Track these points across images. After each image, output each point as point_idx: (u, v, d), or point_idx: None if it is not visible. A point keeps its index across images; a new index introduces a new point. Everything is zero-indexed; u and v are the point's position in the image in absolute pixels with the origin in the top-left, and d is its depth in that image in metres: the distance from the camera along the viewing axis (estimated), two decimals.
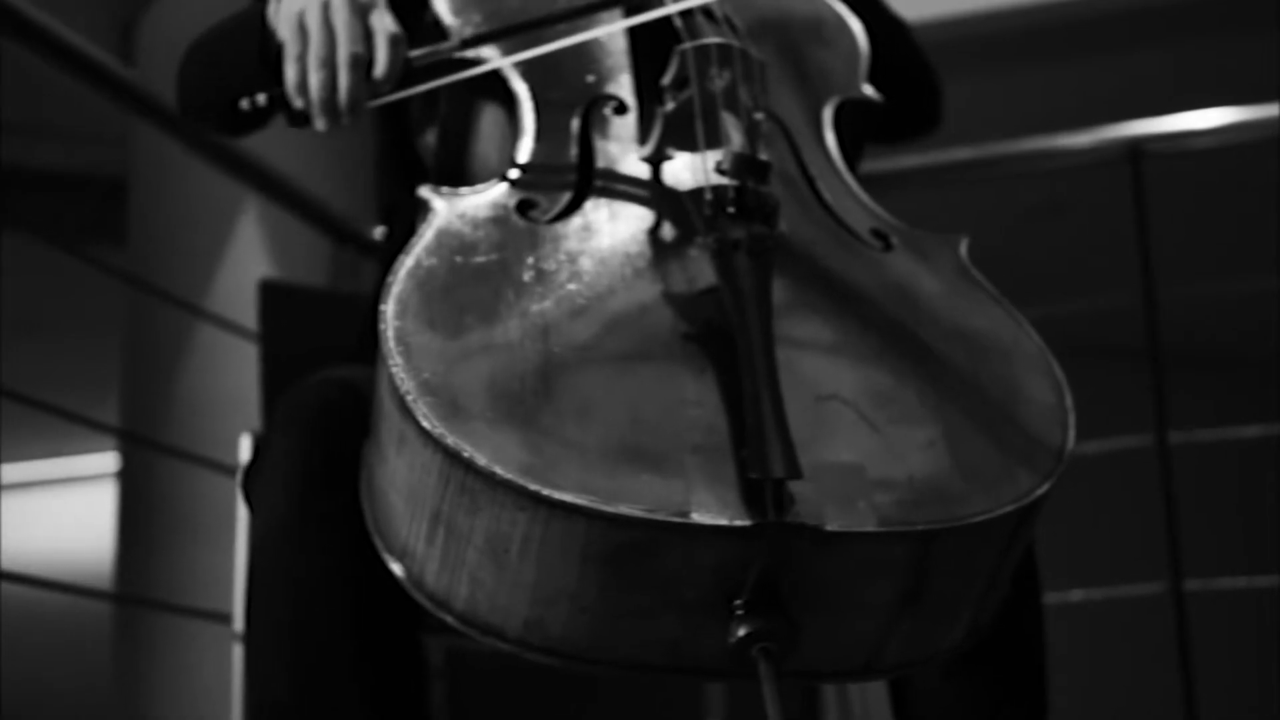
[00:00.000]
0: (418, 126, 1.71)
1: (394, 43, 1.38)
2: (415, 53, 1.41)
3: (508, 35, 1.43)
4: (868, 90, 1.63)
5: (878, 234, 1.43)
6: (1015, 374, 1.31)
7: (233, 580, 2.43)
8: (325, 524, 1.32)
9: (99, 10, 5.00)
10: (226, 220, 3.83)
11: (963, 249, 1.45)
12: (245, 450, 2.29)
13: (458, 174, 1.61)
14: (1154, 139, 2.79)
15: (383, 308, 1.22)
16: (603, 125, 1.44)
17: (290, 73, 1.37)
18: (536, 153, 1.41)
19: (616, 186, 1.38)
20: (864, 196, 1.49)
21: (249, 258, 3.76)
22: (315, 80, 1.36)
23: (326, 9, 1.38)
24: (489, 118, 1.56)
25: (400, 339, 1.19)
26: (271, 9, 1.46)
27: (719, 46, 1.37)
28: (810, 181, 1.46)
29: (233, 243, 3.81)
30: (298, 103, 1.38)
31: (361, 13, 1.39)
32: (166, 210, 3.99)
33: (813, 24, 1.71)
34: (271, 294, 2.43)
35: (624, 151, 1.41)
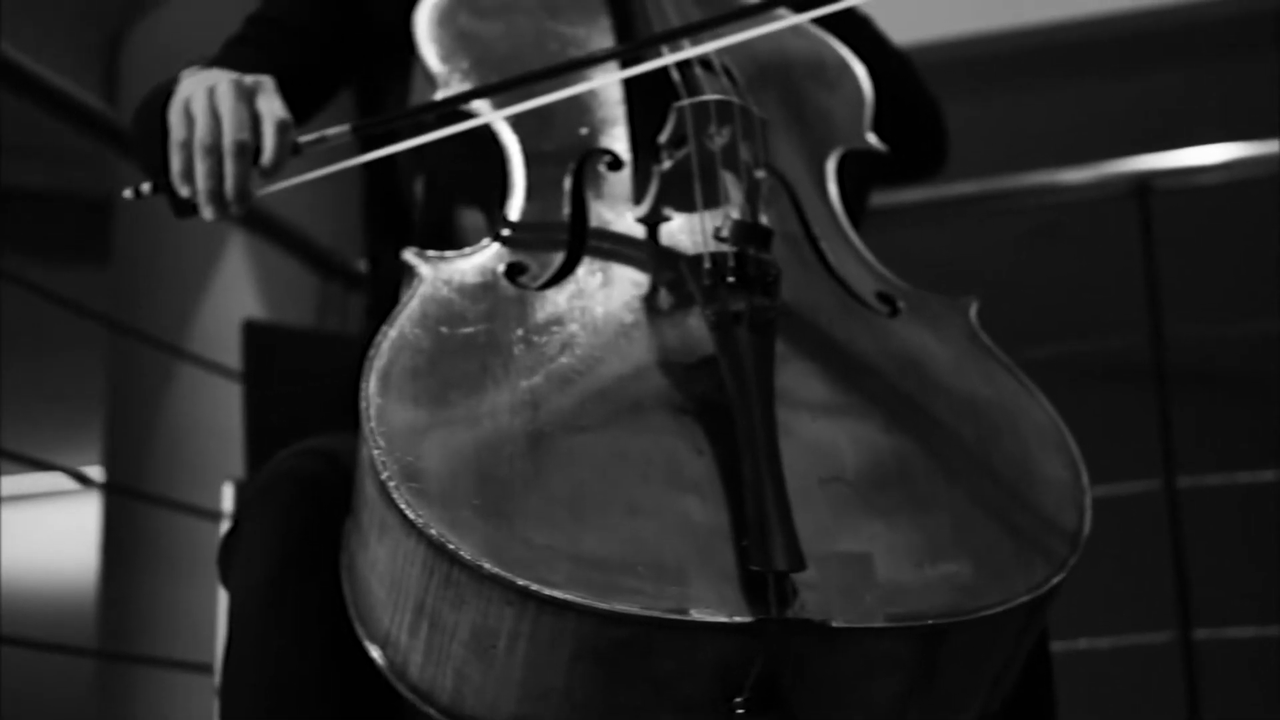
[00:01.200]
0: (404, 176, 1.66)
1: (281, 129, 1.33)
2: (304, 138, 1.36)
3: (492, 93, 1.38)
4: (873, 140, 1.59)
5: (883, 298, 1.38)
6: (1028, 451, 1.26)
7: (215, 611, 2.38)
8: (302, 609, 1.26)
9: (85, 27, 4.95)
10: (212, 249, 3.78)
11: (972, 313, 1.40)
12: (228, 499, 2.23)
13: (444, 227, 1.57)
14: (1162, 174, 2.74)
15: (363, 384, 1.17)
16: (596, 182, 1.39)
17: (175, 160, 1.32)
18: (527, 210, 1.36)
19: (610, 249, 1.33)
20: (869, 256, 1.44)
21: (235, 287, 3.71)
22: (200, 169, 1.31)
23: (212, 94, 1.33)
24: (478, 170, 1.51)
25: (381, 418, 1.14)
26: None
27: (718, 103, 1.32)
28: (813, 242, 1.41)
29: (218, 273, 3.75)
30: (183, 191, 1.33)
31: (248, 97, 1.34)
32: (151, 234, 3.93)
33: (814, 67, 1.66)
34: (255, 335, 2.38)
35: (618, 211, 1.36)
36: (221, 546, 1.42)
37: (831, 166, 1.53)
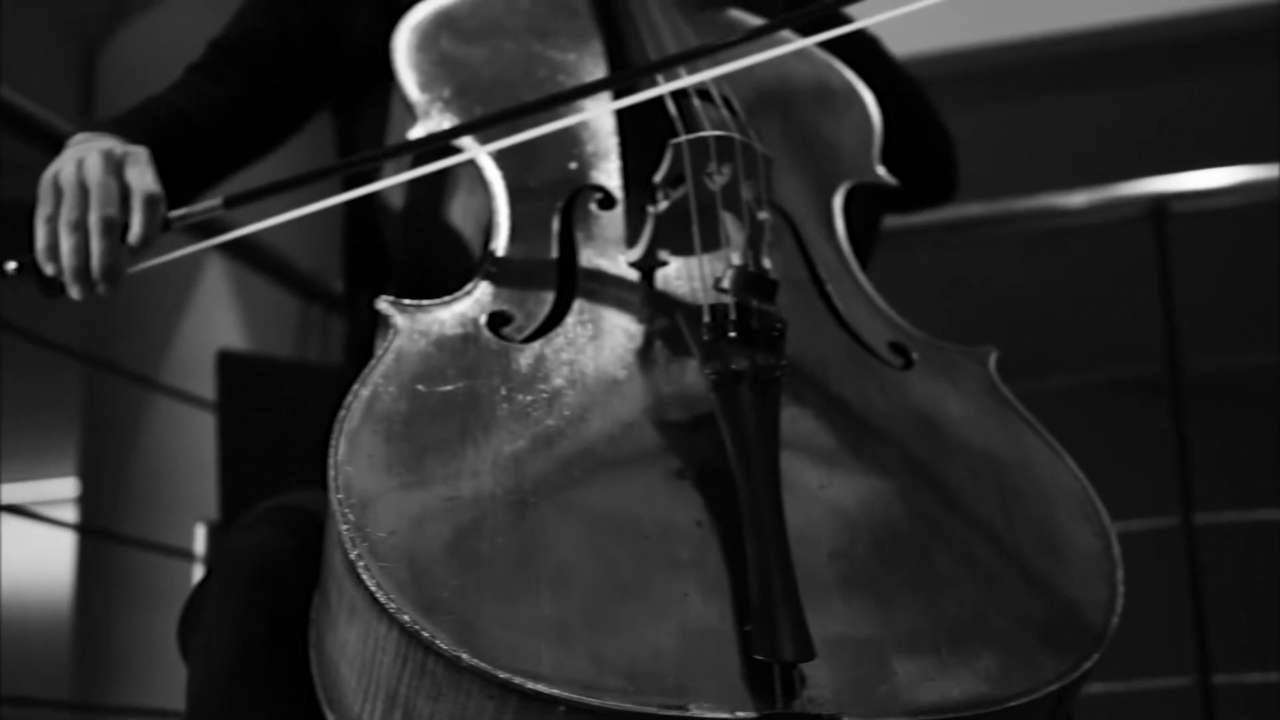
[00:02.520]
0: (382, 212, 1.58)
1: (150, 204, 1.27)
2: (176, 213, 1.29)
3: (475, 130, 1.30)
4: (882, 173, 1.50)
5: (896, 349, 1.30)
6: (1055, 518, 1.18)
7: None
8: (267, 691, 1.18)
9: (62, 39, 4.87)
10: (190, 272, 3.69)
11: (992, 363, 1.32)
12: (200, 541, 2.15)
13: (424, 266, 1.49)
14: (1178, 197, 2.66)
15: (332, 449, 1.08)
16: (586, 221, 1.31)
17: (39, 236, 1.26)
18: (512, 252, 1.28)
19: (601, 296, 1.24)
20: (879, 301, 1.36)
21: (213, 311, 3.62)
22: (65, 246, 1.25)
23: (81, 167, 1.27)
24: (459, 206, 1.43)
25: (350, 490, 1.05)
26: None
27: (718, 140, 1.24)
28: (820, 287, 1.32)
29: (196, 296, 3.66)
30: (49, 269, 1.26)
31: (117, 170, 1.28)
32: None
33: (819, 94, 1.58)
34: (231, 365, 2.29)
35: (610, 254, 1.28)
36: (182, 617, 1.33)
37: (839, 202, 1.45)
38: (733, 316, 1.14)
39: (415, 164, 1.31)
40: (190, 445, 3.18)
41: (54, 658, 4.90)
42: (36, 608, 6.66)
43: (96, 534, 3.53)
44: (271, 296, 3.11)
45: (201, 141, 1.63)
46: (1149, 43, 3.99)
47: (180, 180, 1.54)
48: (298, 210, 1.28)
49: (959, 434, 1.22)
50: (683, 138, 1.23)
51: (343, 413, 1.11)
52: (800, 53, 1.62)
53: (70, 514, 4.65)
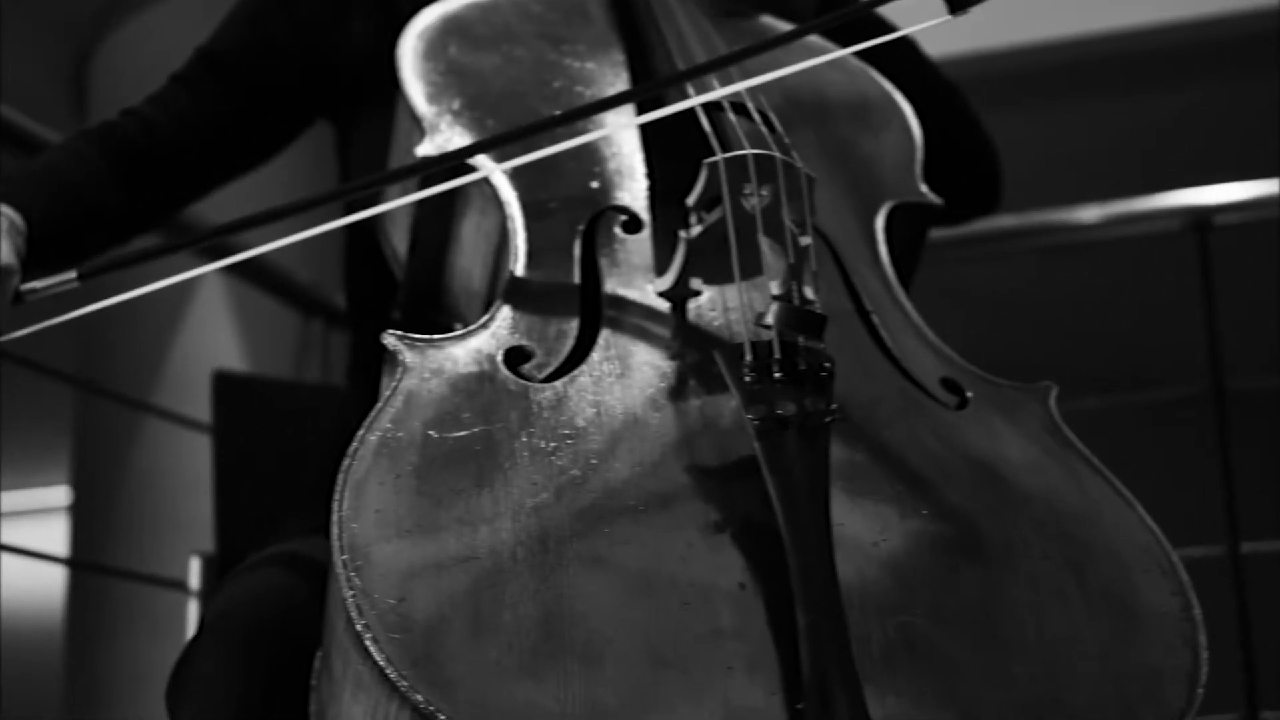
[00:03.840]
0: (385, 229, 1.49)
1: (3, 276, 1.21)
2: (28, 285, 1.22)
3: (490, 149, 1.22)
4: (925, 191, 1.41)
5: (949, 385, 1.21)
6: (1128, 576, 1.08)
7: None
8: None
9: (53, 44, 4.80)
10: (185, 285, 3.60)
11: (1052, 401, 1.23)
12: (195, 574, 2.06)
13: (432, 290, 1.40)
14: (1223, 209, 2.56)
15: (336, 503, 0.99)
16: (610, 246, 1.22)
17: None
18: (529, 280, 1.19)
19: (628, 329, 1.15)
20: (928, 332, 1.27)
21: (210, 325, 3.53)
22: None
23: None
24: (470, 226, 1.34)
25: (356, 550, 0.96)
26: None
27: (757, 158, 1.15)
28: (865, 317, 1.23)
29: (192, 310, 3.57)
30: None
31: None
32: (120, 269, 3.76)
33: (856, 107, 1.49)
34: (227, 387, 2.20)
35: (637, 282, 1.19)
36: (171, 679, 1.24)
37: (881, 223, 1.36)
38: (777, 355, 1.05)
39: (424, 184, 1.22)
40: (185, 456, 3.09)
41: (46, 677, 4.84)
42: (28, 624, 6.60)
43: (89, 567, 3.44)
44: (269, 310, 3.03)
45: (165, 162, 1.58)
46: (1181, 44, 3.89)
47: (126, 214, 1.53)
48: (303, 232, 1.20)
49: (1021, 482, 1.13)
50: (719, 156, 1.14)
51: (347, 461, 1.02)
52: (834, 61, 1.54)
53: (62, 523, 4.59)
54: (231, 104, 1.63)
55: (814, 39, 1.47)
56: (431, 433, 1.04)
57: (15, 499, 8.97)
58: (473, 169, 1.23)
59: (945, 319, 1.38)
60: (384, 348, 1.11)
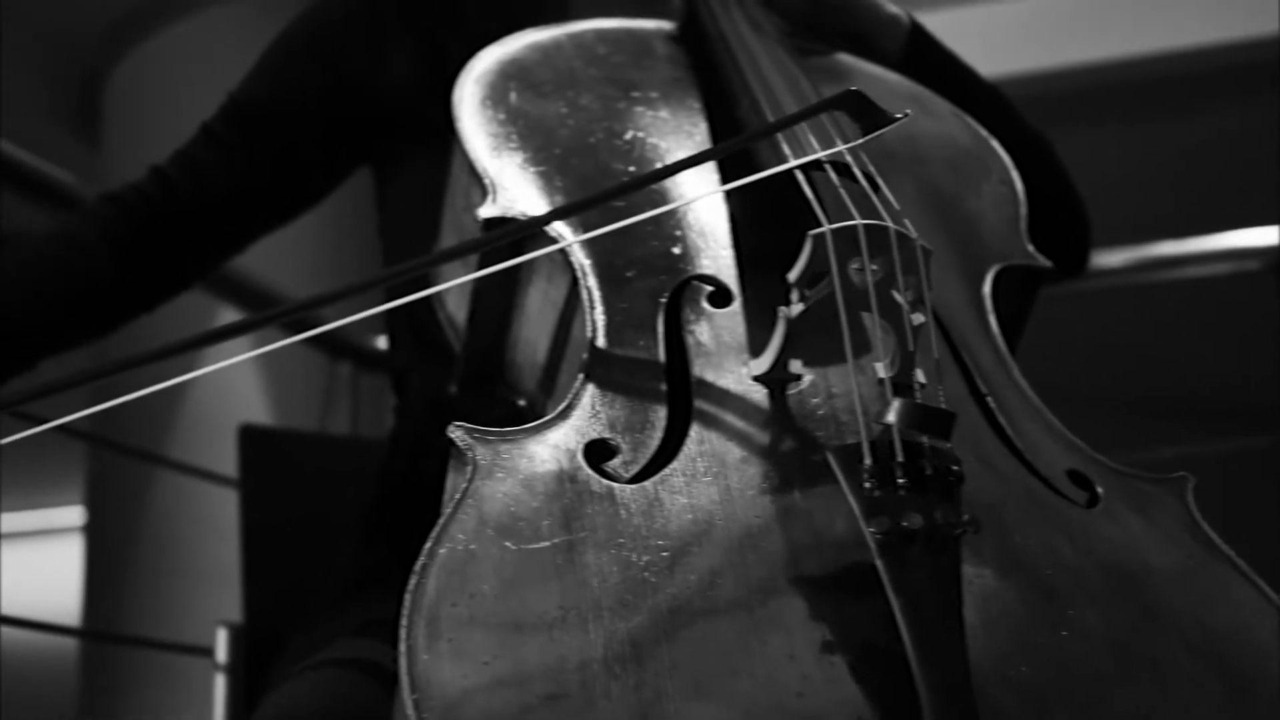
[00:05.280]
0: (440, 293, 1.38)
1: None
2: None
3: (568, 216, 1.11)
4: (1034, 252, 1.30)
5: (1078, 480, 1.09)
6: None
7: None
8: None
9: (65, 66, 4.72)
10: (204, 323, 3.50)
11: (1189, 495, 1.11)
12: (222, 646, 1.96)
13: (494, 363, 1.29)
14: None
15: (404, 629, 0.88)
16: (697, 321, 1.11)
17: None
18: (606, 359, 1.08)
19: (722, 420, 1.04)
20: (1048, 415, 1.16)
21: (232, 366, 3.42)
22: None
23: None
24: (538, 292, 1.24)
25: (429, 687, 0.85)
26: None
27: (870, 229, 1.03)
28: (981, 401, 1.12)
29: (213, 350, 3.46)
30: None
31: None
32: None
33: (951, 156, 1.38)
34: (253, 440, 2.10)
35: (729, 364, 1.08)
36: None
37: (988, 289, 1.25)
38: (900, 458, 0.94)
39: (487, 259, 1.12)
40: (202, 490, 2.98)
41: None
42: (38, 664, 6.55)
43: (106, 638, 3.33)
44: (294, 350, 2.92)
45: (187, 224, 1.53)
46: (1240, 65, 3.78)
47: (127, 289, 1.50)
48: (374, 309, 1.09)
49: (1165, 593, 1.02)
50: (826, 227, 1.03)
51: (414, 579, 0.91)
52: (924, 104, 1.43)
53: (76, 543, 4.51)
54: (264, 160, 1.54)
55: (910, 86, 1.36)
56: (508, 544, 0.93)
57: (28, 519, 8.93)
58: (549, 237, 1.12)
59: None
60: (450, 443, 1.00)
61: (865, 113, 1.03)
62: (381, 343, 2.73)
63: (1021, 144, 1.48)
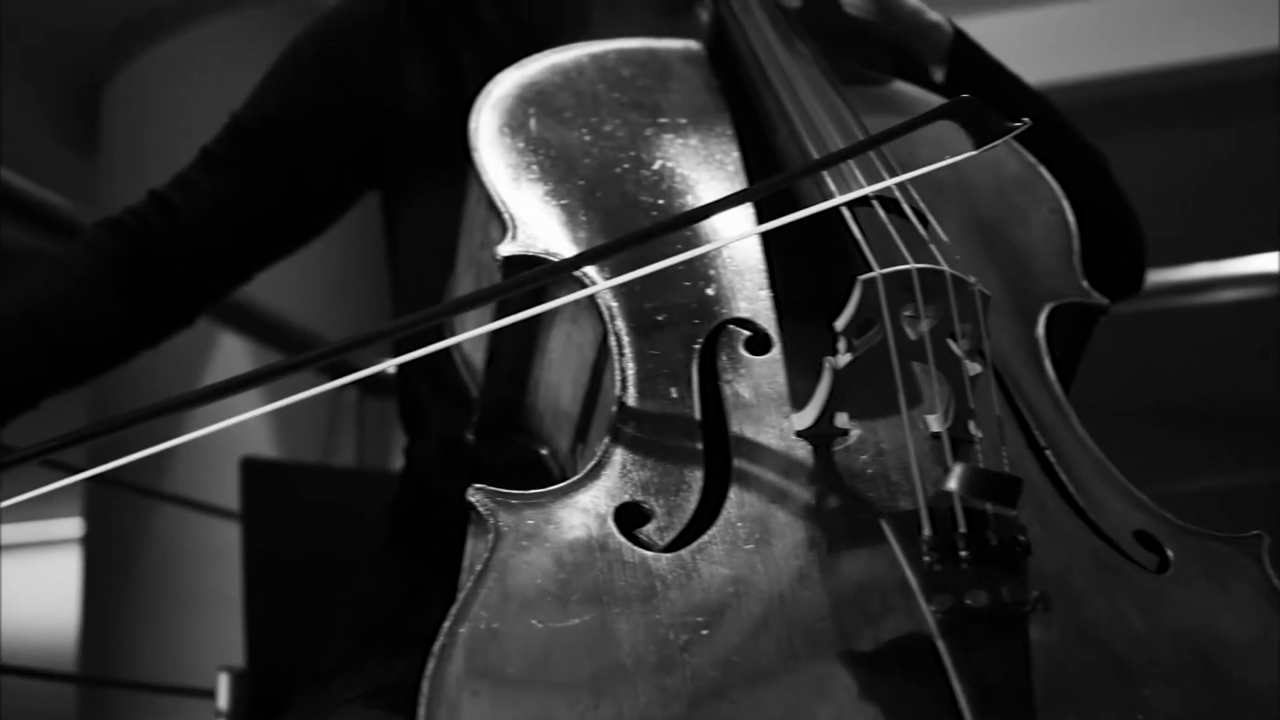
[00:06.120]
0: (455, 331, 1.31)
1: None
2: None
3: (596, 261, 1.04)
4: (1089, 289, 1.23)
5: (1146, 541, 1.02)
6: None
7: None
8: None
9: (66, 75, 4.65)
10: (202, 350, 3.43)
11: (1265, 555, 1.04)
12: (224, 693, 1.88)
13: (514, 408, 1.22)
14: None
15: (421, 710, 0.81)
16: (734, 370, 1.03)
17: None
18: (640, 412, 1.01)
19: (764, 480, 0.96)
20: (1111, 469, 1.08)
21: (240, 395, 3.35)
22: None
23: None
24: (560, 334, 1.16)
25: None
26: None
27: (924, 274, 0.96)
28: (1039, 455, 1.05)
29: (213, 368, 3.39)
30: None
31: None
32: None
33: (998, 185, 1.30)
34: (255, 475, 2.03)
35: (770, 417, 1.00)
36: None
37: (1042, 331, 1.17)
38: (963, 529, 0.87)
39: (508, 302, 1.05)
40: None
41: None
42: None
43: (105, 683, 3.26)
44: (298, 378, 2.85)
45: (188, 254, 1.46)
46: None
47: (130, 324, 1.43)
48: (387, 361, 1.03)
49: (1244, 668, 0.94)
50: (877, 272, 0.95)
51: (433, 662, 0.83)
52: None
53: (75, 556, 4.45)
54: (271, 181, 1.47)
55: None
56: (534, 622, 0.86)
57: (27, 530, 8.89)
58: (576, 280, 1.05)
59: None
60: (470, 506, 0.93)
61: (979, 122, 0.95)
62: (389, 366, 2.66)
63: (1075, 159, 1.41)
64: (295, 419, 3.04)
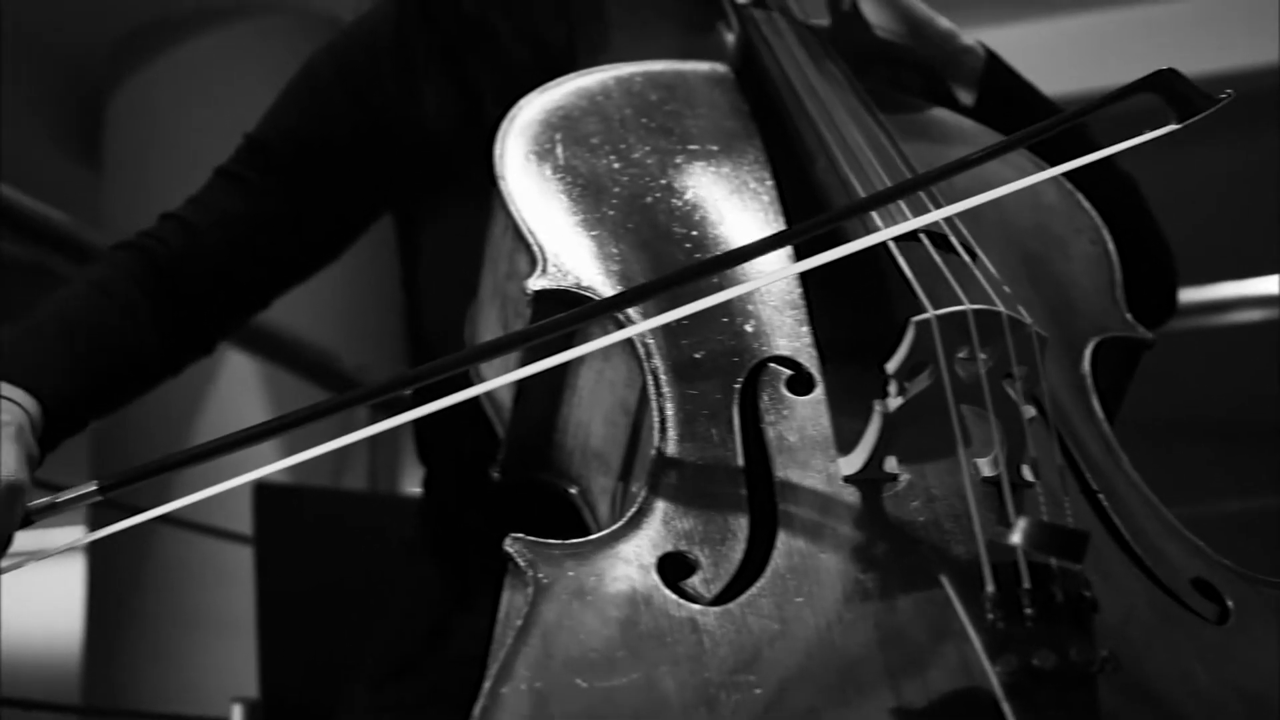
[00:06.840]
0: (481, 367, 1.27)
1: (9, 496, 1.06)
2: (40, 503, 1.05)
3: (628, 305, 1.01)
4: (1133, 321, 1.19)
5: (1205, 590, 0.98)
6: None
7: None
8: None
9: (68, 86, 4.62)
10: (207, 368, 3.40)
11: None
12: None
13: (542, 447, 1.18)
14: None
15: None
16: (777, 411, 1.00)
17: None
18: (681, 458, 0.97)
19: (811, 527, 0.93)
20: (1165, 512, 1.04)
21: (237, 406, 3.32)
22: None
23: None
24: (591, 371, 1.13)
25: None
26: None
27: (980, 315, 0.93)
28: (1093, 499, 1.01)
29: (218, 387, 3.36)
30: None
31: None
32: None
33: (1037, 216, 1.27)
34: (268, 500, 2.00)
35: (815, 462, 0.96)
36: None
37: (1088, 367, 1.14)
38: (1027, 585, 0.83)
39: (533, 352, 1.01)
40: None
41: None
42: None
43: (113, 714, 3.23)
44: (305, 395, 2.82)
45: (210, 279, 1.41)
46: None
47: (162, 353, 1.38)
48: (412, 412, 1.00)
49: None
50: (930, 313, 0.92)
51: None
52: (1005, 159, 1.32)
53: (79, 562, 4.42)
54: (287, 203, 1.43)
55: (990, 135, 1.25)
56: (579, 682, 0.82)
57: (30, 538, 8.87)
58: (613, 318, 1.01)
59: None
60: (508, 557, 0.89)
61: (1181, 96, 0.92)
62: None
63: (1108, 183, 1.38)
64: (301, 437, 3.02)
